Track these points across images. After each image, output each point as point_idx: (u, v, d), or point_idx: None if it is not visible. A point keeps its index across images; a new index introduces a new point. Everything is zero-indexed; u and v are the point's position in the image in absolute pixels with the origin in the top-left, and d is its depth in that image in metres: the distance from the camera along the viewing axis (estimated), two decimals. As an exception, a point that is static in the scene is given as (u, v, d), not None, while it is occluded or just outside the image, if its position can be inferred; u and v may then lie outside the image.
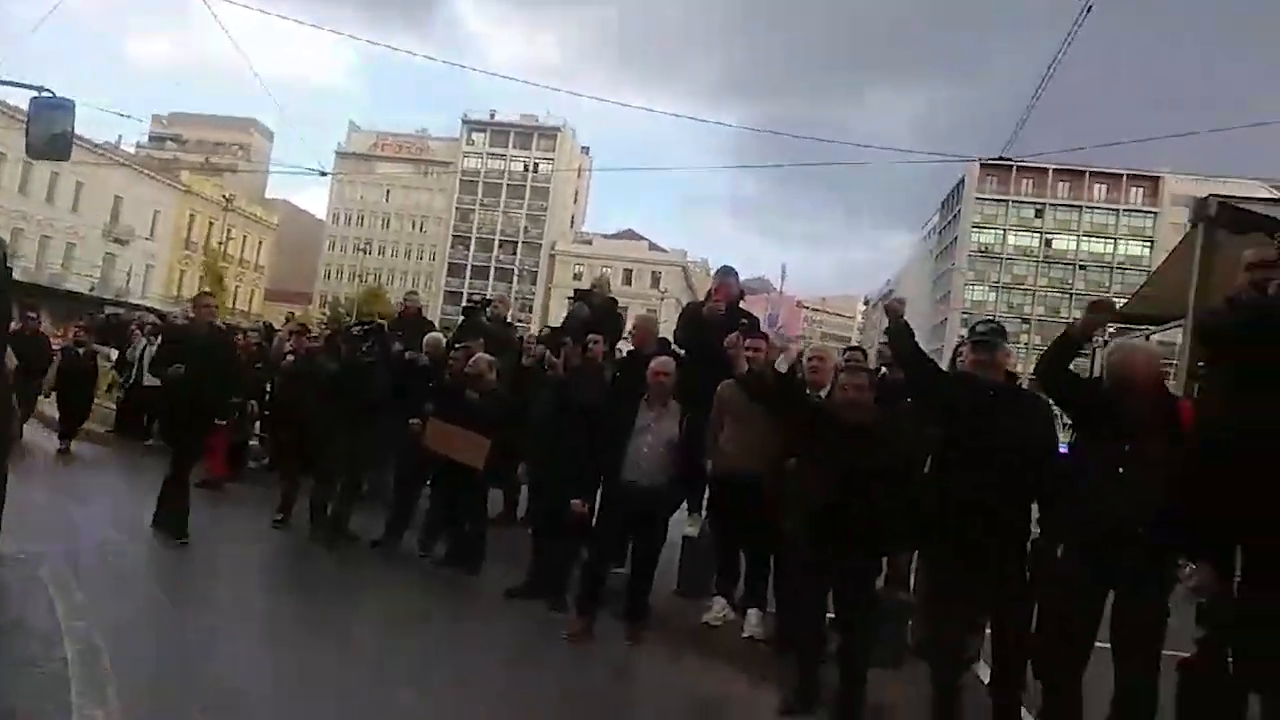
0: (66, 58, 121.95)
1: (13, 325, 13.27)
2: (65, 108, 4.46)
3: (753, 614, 5.91)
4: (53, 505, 8.68)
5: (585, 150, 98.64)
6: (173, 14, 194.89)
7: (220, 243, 62.77)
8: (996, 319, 5.73)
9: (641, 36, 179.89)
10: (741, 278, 8.05)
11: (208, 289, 9.07)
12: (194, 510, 9.86)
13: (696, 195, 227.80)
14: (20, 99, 5.10)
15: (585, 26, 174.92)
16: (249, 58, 67.39)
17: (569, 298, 9.88)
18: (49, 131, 4.40)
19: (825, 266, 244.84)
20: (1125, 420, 4.04)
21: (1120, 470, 3.98)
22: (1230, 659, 4.10)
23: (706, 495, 6.83)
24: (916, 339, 5.03)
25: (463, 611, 6.83)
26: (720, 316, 7.25)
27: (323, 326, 16.77)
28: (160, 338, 11.65)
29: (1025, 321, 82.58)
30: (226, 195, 63.46)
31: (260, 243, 73.59)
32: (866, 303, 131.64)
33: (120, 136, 64.55)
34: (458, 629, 6.43)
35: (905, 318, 5.04)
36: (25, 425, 12.35)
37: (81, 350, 13.21)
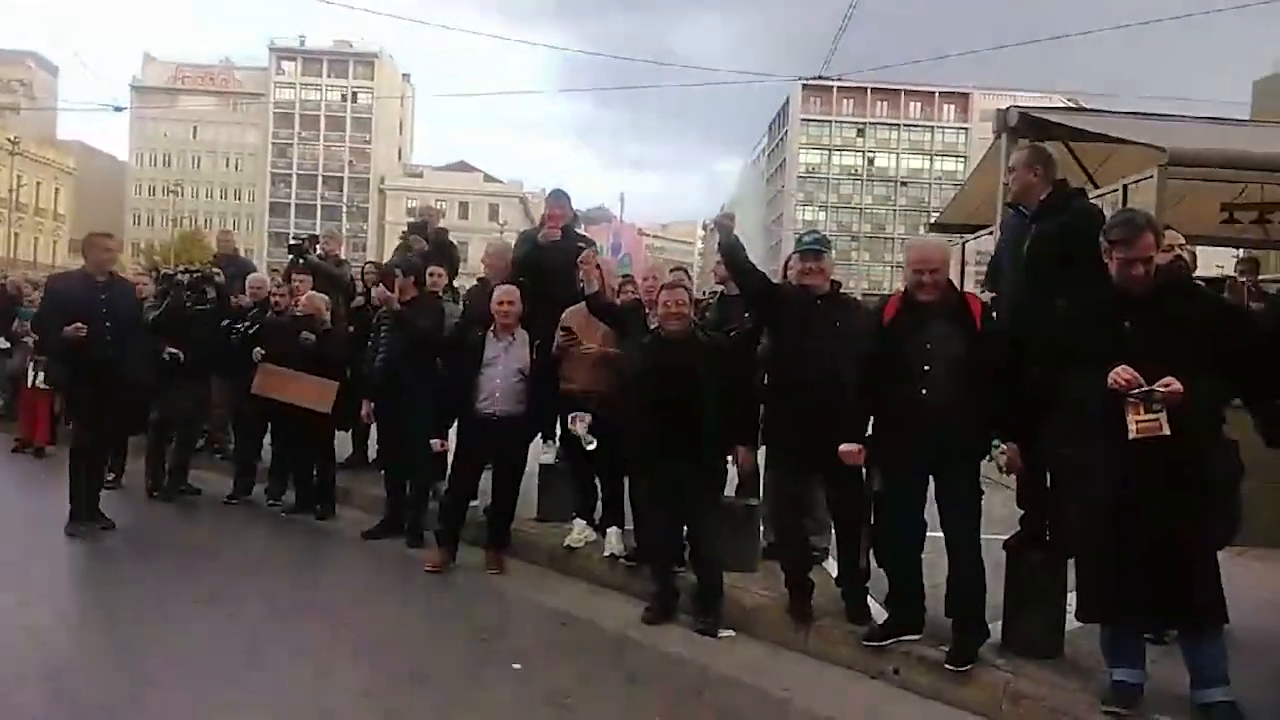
0: None
1: None
2: None
3: (612, 532, 6.06)
4: None
5: (406, 77, 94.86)
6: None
7: (11, 190, 57.30)
8: (819, 231, 5.99)
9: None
10: (582, 208, 8.04)
11: (104, 231, 7.36)
12: (20, 480, 9.27)
13: (529, 122, 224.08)
14: None
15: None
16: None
17: (401, 234, 9.61)
18: None
19: (663, 193, 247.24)
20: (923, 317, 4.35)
21: (926, 368, 4.27)
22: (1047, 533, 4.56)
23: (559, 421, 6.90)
24: (748, 253, 5.21)
25: (319, 556, 6.73)
26: (556, 241, 7.24)
27: (140, 275, 15.67)
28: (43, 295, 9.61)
29: (854, 239, 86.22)
30: (11, 138, 57.76)
31: (57, 190, 67.65)
32: (705, 227, 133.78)
33: None
34: (316, 573, 6.33)
35: (737, 234, 5.22)
36: None
37: None
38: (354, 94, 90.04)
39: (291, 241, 10.32)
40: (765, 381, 5.31)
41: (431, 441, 6.43)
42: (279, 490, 7.86)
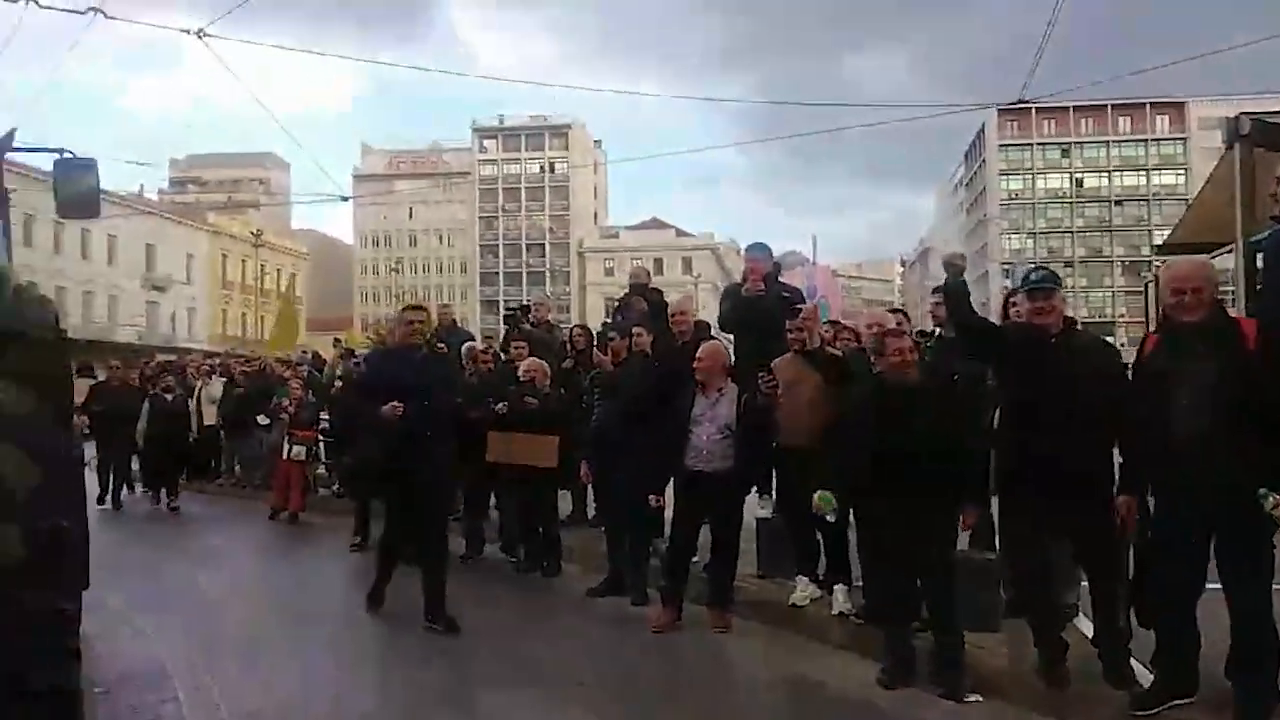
0: (74, 116, 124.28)
1: (100, 376, 13.32)
2: (89, 166, 4.49)
3: (839, 590, 5.89)
4: (141, 553, 8.90)
5: (598, 143, 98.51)
6: (168, 58, 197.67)
7: (255, 278, 63.66)
8: (1047, 265, 5.67)
9: (629, 22, 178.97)
10: (775, 253, 8.03)
11: (416, 303, 7.61)
12: (272, 544, 10.12)
13: (715, 174, 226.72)
14: (43, 161, 5.12)
15: (574, 18, 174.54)
16: (252, 89, 67.67)
17: (616, 300, 9.80)
18: (76, 191, 4.41)
19: (855, 232, 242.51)
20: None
21: (1194, 401, 3.90)
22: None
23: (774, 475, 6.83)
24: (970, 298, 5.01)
25: (550, 613, 6.88)
26: (760, 294, 7.24)
27: (366, 348, 17.11)
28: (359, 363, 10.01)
29: (1068, 265, 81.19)
30: (254, 231, 64.42)
31: (294, 275, 74.59)
32: (903, 264, 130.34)
33: (142, 186, 65.85)
34: (547, 630, 6.47)
35: (945, 260, 5.04)
36: (121, 479, 12.54)
37: (171, 397, 13.00)
38: (551, 164, 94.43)
39: (505, 311, 10.85)
40: (995, 429, 5.04)
41: (650, 497, 6.53)
42: (512, 547, 8.19)
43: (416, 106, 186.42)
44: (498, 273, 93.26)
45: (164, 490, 12.49)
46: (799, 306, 6.57)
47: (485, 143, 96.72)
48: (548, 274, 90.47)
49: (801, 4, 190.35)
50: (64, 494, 2.93)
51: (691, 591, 6.36)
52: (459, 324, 13.83)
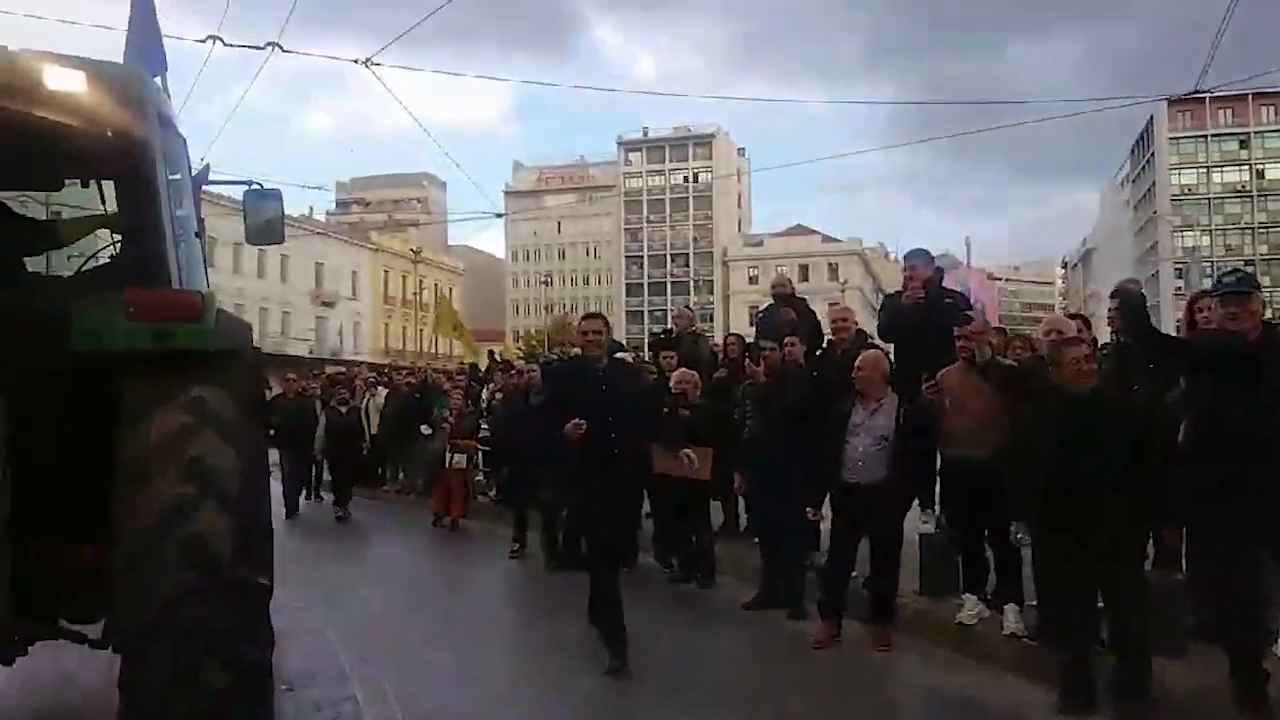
0: (253, 142, 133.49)
1: (275, 390, 14.17)
2: (274, 196, 4.73)
3: (1010, 610, 5.61)
4: (314, 557, 9.42)
5: (742, 152, 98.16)
6: (336, 87, 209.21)
7: (414, 293, 66.56)
8: (1241, 268, 5.26)
9: (774, 28, 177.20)
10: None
11: (594, 311, 7.70)
12: (434, 549, 10.50)
13: (862, 179, 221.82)
14: (223, 187, 5.53)
15: (719, 29, 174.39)
16: (413, 113, 71.02)
17: (760, 311, 9.68)
18: (263, 219, 4.66)
19: (1012, 233, 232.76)
20: None
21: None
22: None
23: (939, 488, 6.61)
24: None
25: (704, 625, 6.86)
26: (921, 302, 7.02)
27: (520, 360, 17.63)
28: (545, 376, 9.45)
29: (1249, 263, 75.25)
30: (414, 249, 67.34)
31: (450, 289, 77.60)
32: (1065, 265, 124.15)
33: (311, 208, 69.92)
34: (701, 642, 6.45)
35: (1119, 287, 4.77)
36: (300, 488, 13.08)
37: (345, 409, 13.34)
38: (695, 175, 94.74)
39: (650, 338, 10.89)
40: (1182, 442, 4.71)
41: (808, 510, 6.44)
42: (667, 556, 8.23)
43: (564, 123, 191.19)
44: (642, 283, 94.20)
45: (337, 498, 12.90)
46: (968, 314, 6.32)
47: (630, 156, 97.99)
48: (691, 284, 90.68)
49: (939, 10, 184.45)
50: (262, 490, 3.42)
51: (850, 607, 6.22)
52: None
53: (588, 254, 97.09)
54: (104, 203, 3.98)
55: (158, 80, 4.42)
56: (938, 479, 6.54)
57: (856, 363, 6.20)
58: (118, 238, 3.84)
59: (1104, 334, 6.89)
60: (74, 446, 3.17)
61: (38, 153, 3.78)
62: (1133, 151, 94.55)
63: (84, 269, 3.85)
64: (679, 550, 8.10)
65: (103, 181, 3.99)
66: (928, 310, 6.91)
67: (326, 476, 13.79)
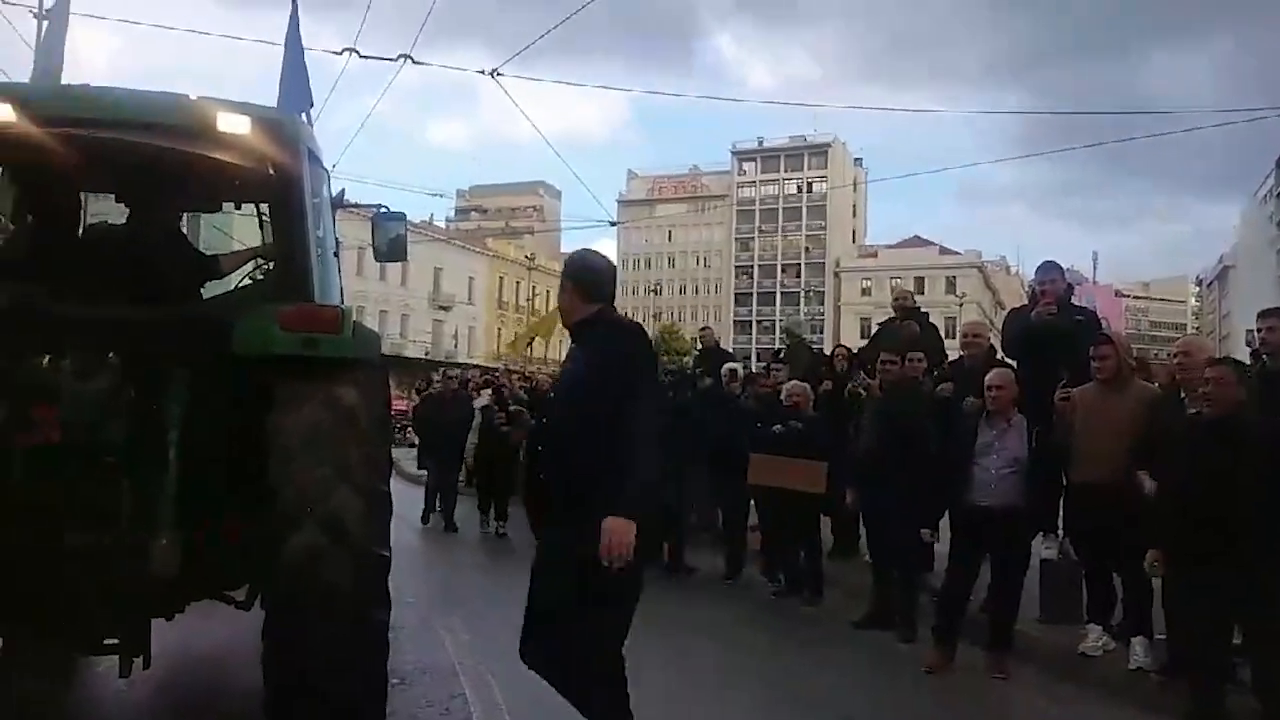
0: (381, 151, 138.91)
1: (435, 387, 14.49)
2: (399, 218, 5.28)
3: (1138, 642, 5.32)
4: (429, 554, 9.64)
5: (858, 162, 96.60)
6: (462, 97, 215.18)
7: (528, 298, 67.90)
8: None
9: (898, 38, 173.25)
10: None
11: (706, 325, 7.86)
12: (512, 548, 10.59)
13: (983, 190, 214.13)
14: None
15: (841, 38, 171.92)
16: (535, 123, 72.47)
17: (879, 323, 9.44)
18: (388, 239, 5.25)
19: (1142, 248, 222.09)
20: None
21: None
22: None
23: (1062, 513, 6.32)
24: None
25: (810, 642, 6.72)
26: (1052, 317, 6.74)
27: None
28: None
29: (1405, 284, 70.02)
30: (528, 255, 68.65)
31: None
32: (1199, 283, 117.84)
33: (432, 214, 72.21)
34: (807, 659, 6.32)
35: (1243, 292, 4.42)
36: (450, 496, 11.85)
37: (505, 417, 11.74)
38: (809, 184, 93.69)
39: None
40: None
41: (921, 532, 6.25)
42: (773, 571, 8.12)
43: (680, 133, 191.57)
44: (751, 293, 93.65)
45: (492, 512, 11.54)
46: (1104, 333, 6.04)
47: (744, 165, 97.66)
48: (802, 294, 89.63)
49: (1087, 9, 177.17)
50: (385, 478, 3.94)
51: (966, 632, 5.99)
52: (719, 345, 13.97)
53: (698, 263, 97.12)
54: (261, 229, 4.72)
55: (306, 115, 4.88)
56: (1061, 503, 6.27)
57: (988, 380, 5.91)
58: (268, 259, 4.53)
59: (1236, 353, 6.49)
60: (232, 436, 3.70)
61: (209, 182, 4.59)
62: (1278, 165, 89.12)
63: (241, 285, 4.64)
64: (786, 565, 7.97)
65: (260, 206, 4.76)
66: (1059, 328, 6.63)
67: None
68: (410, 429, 14.60)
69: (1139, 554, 5.24)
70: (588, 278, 3.64)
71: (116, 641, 3.68)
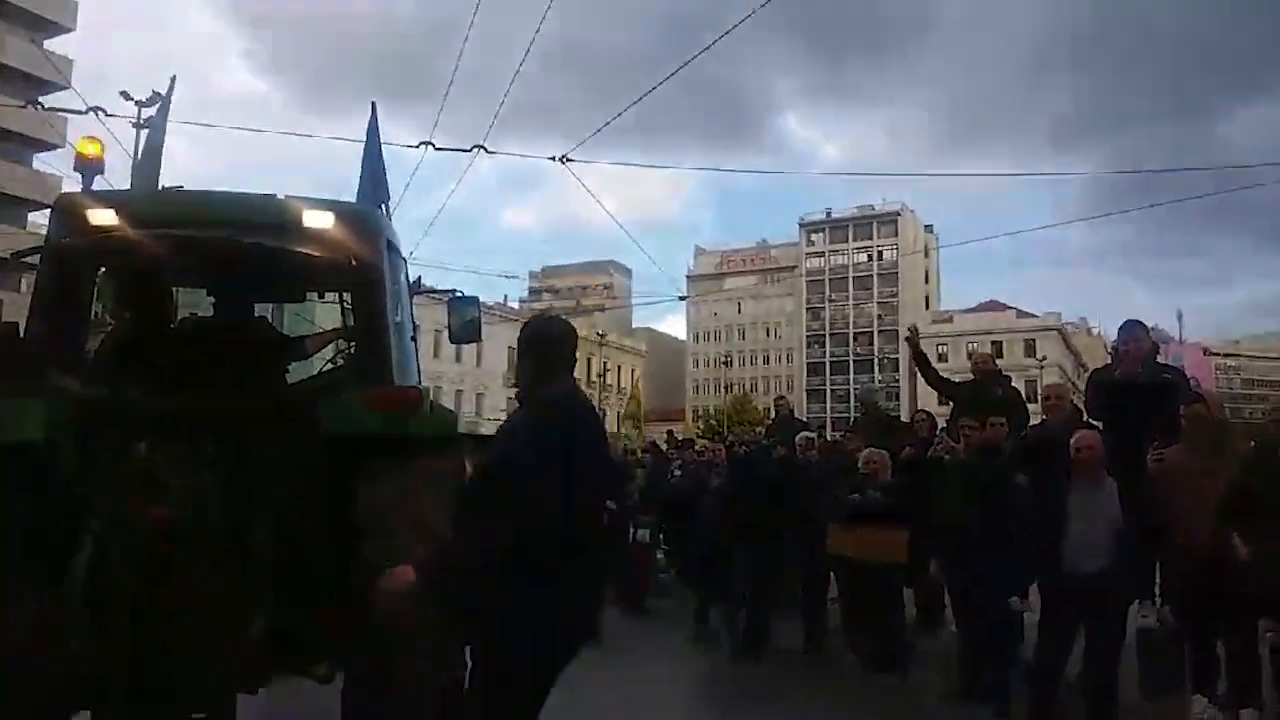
0: (458, 238, 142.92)
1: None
2: (473, 302, 5.55)
3: (1248, 715, 5.04)
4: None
5: (929, 229, 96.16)
6: (537, 183, 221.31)
7: (599, 375, 68.47)
8: None
9: (967, 107, 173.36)
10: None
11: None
12: (615, 628, 10.49)
13: (1061, 252, 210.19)
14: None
15: (910, 111, 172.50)
16: (604, 205, 74.40)
17: (963, 382, 9.27)
18: (463, 322, 5.41)
19: (1231, 305, 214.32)
20: None
21: None
22: None
23: (1159, 580, 6.06)
24: None
25: (900, 716, 6.50)
26: (1136, 378, 6.57)
27: (700, 438, 17.80)
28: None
29: None
30: (599, 333, 69.42)
31: (633, 371, 79.27)
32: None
33: (505, 296, 73.80)
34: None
35: None
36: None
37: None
38: (879, 252, 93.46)
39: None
40: None
41: (1010, 600, 6.04)
42: (857, 644, 7.90)
43: (746, 209, 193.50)
44: (824, 362, 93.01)
45: None
46: (1196, 391, 5.88)
47: (812, 236, 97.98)
48: (876, 361, 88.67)
49: (1167, 69, 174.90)
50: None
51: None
52: (793, 414, 13.89)
53: (768, 334, 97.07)
54: (343, 316, 4.92)
55: (384, 206, 5.15)
56: (1158, 569, 6.03)
57: (1074, 441, 5.74)
58: (350, 341, 4.76)
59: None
60: (322, 515, 3.85)
61: (296, 274, 4.90)
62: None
63: (324, 370, 4.85)
64: (868, 638, 7.75)
65: (342, 294, 4.97)
66: (1145, 387, 6.47)
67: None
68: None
69: (1244, 621, 5.02)
70: (537, 348, 3.59)
71: (204, 717, 3.77)
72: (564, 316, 4.08)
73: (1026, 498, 6.19)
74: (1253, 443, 5.91)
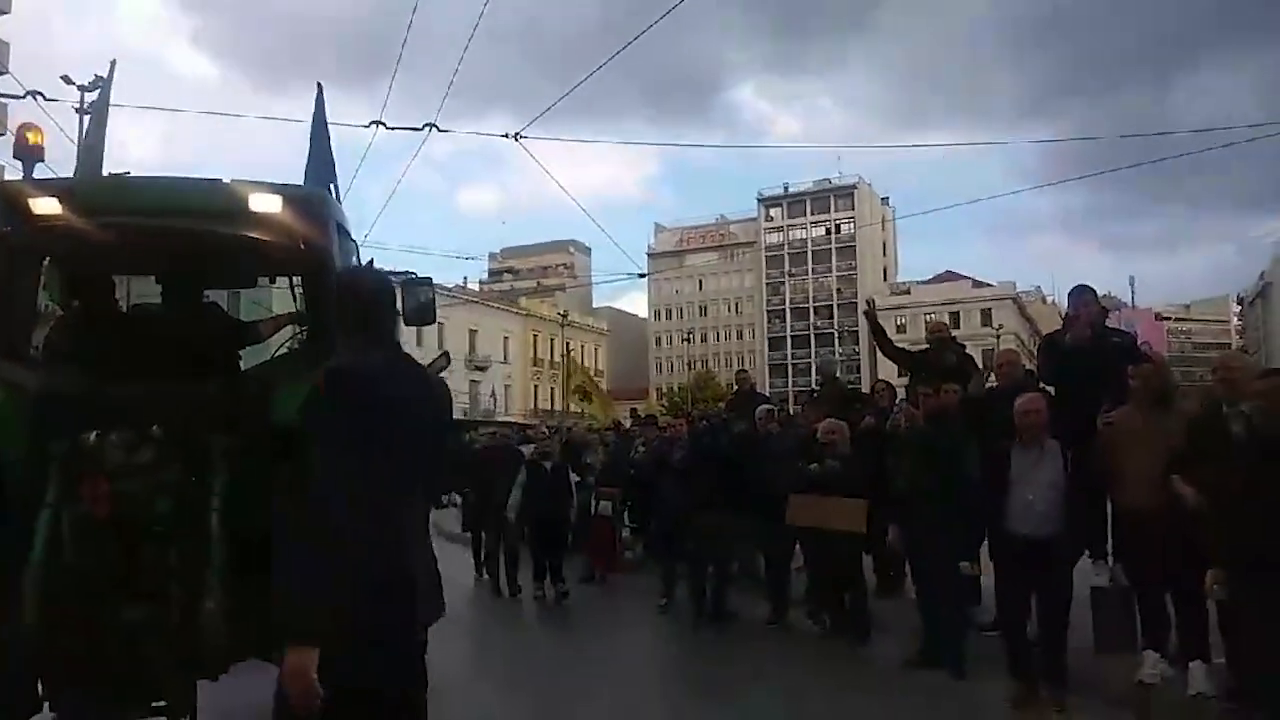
0: (413, 218, 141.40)
1: (480, 442, 14.08)
2: (426, 283, 5.45)
3: (1196, 668, 5.19)
4: (463, 612, 9.65)
5: (885, 201, 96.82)
6: (492, 163, 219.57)
7: (562, 355, 68.45)
8: None
9: (922, 78, 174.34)
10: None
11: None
12: (584, 604, 10.58)
13: (1015, 221, 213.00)
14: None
15: (864, 84, 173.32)
16: (560, 182, 73.99)
17: (918, 350, 9.39)
18: (417, 303, 5.40)
19: (1182, 270, 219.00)
20: None
21: None
22: None
23: (1110, 540, 6.22)
24: None
25: (860, 683, 6.62)
26: (1086, 342, 6.71)
27: (662, 414, 17.92)
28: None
29: None
30: (561, 313, 69.35)
31: (596, 349, 79.23)
32: (1240, 301, 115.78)
33: (465, 278, 73.38)
34: (858, 702, 6.21)
35: None
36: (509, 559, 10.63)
37: (548, 465, 10.74)
38: (837, 226, 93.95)
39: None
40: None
41: (961, 565, 6.16)
42: (818, 613, 8.03)
43: (706, 185, 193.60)
44: (785, 336, 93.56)
45: (548, 574, 10.37)
46: (1144, 351, 6.01)
47: (771, 211, 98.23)
48: (836, 335, 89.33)
49: (1117, 39, 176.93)
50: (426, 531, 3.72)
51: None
52: (754, 389, 13.97)
53: (729, 310, 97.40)
54: (294, 300, 4.88)
55: (333, 189, 5.12)
56: (1109, 529, 6.18)
57: (1018, 405, 5.84)
58: (303, 325, 4.72)
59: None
60: (273, 502, 3.74)
61: (244, 259, 4.84)
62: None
63: (278, 355, 4.80)
64: (831, 607, 7.88)
65: (292, 280, 4.94)
66: (1094, 351, 6.60)
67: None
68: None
69: (1192, 576, 5.15)
70: (341, 307, 2.94)
71: (165, 704, 3.77)
72: (380, 270, 3.68)
73: (976, 462, 6.29)
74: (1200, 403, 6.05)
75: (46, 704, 3.94)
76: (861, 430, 8.57)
